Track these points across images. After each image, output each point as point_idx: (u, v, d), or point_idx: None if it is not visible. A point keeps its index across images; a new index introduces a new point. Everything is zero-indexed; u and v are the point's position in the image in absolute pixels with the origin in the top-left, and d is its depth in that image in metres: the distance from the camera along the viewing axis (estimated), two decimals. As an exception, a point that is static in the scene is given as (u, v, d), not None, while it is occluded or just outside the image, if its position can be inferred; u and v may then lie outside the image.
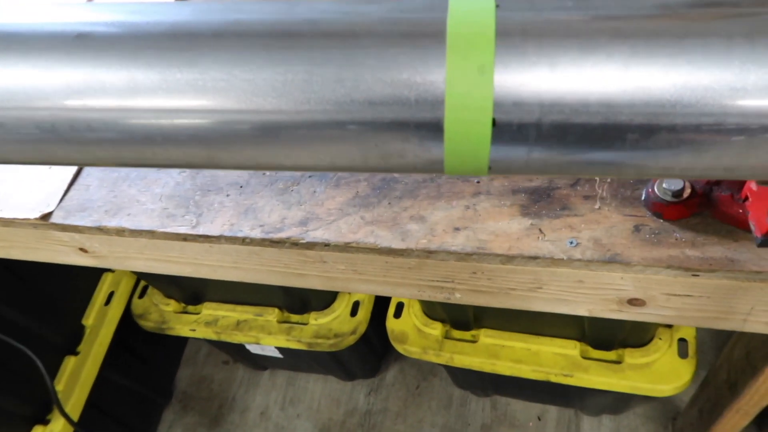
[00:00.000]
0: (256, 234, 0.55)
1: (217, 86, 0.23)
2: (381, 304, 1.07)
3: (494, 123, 0.22)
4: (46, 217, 0.60)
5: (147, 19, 0.24)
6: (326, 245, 0.54)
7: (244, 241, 0.56)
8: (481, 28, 0.22)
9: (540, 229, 0.49)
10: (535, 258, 0.48)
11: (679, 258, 0.44)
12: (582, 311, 0.53)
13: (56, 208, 0.61)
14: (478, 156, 0.23)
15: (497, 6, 0.23)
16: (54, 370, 1.03)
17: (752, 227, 0.41)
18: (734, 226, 0.45)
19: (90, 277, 1.14)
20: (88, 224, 0.60)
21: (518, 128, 0.22)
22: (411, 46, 0.22)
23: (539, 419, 1.22)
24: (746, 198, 0.41)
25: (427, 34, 0.23)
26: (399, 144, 0.23)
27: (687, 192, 0.45)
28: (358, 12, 0.23)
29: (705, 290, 0.46)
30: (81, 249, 0.66)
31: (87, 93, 0.24)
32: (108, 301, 1.12)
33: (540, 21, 0.22)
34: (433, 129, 0.23)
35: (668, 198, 0.45)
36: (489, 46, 0.22)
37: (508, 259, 0.49)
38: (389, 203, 0.54)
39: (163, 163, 0.26)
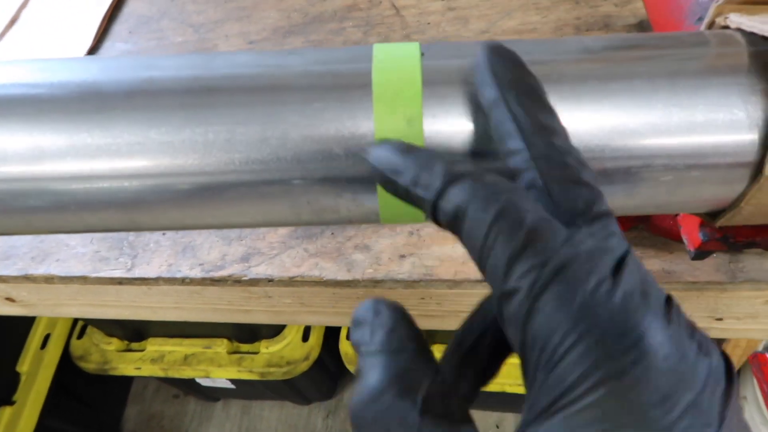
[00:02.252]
0: (196, 273, 0.53)
1: (132, 150, 0.21)
2: (333, 326, 1.06)
3: None
4: (-34, 268, 0.56)
5: (51, 78, 0.22)
6: (270, 281, 0.52)
7: (183, 281, 0.54)
8: (407, 78, 0.22)
9: (484, 252, 0.49)
10: (481, 281, 0.48)
11: (619, 274, 0.45)
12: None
13: (-24, 258, 0.57)
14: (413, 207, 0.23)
15: (422, 54, 0.22)
16: (-13, 423, 0.97)
17: (685, 241, 0.42)
18: (668, 239, 0.46)
19: (23, 320, 1.07)
20: (14, 273, 0.57)
21: None
22: (337, 100, 0.22)
23: (497, 427, 1.23)
24: (678, 213, 0.42)
25: (352, 87, 0.22)
26: (332, 199, 0.23)
27: (622, 208, 0.46)
28: (278, 65, 0.22)
29: (646, 302, 0.47)
30: (7, 299, 0.62)
31: (-13, 162, 0.22)
32: (44, 345, 1.06)
33: (466, 69, 0.22)
34: (366, 183, 0.22)
35: (605, 215, 0.46)
36: (416, 96, 0.21)
37: (456, 284, 0.49)
38: (332, 233, 0.53)
39: (80, 229, 0.24)
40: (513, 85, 0.20)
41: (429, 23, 0.67)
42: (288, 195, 0.22)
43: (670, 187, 0.22)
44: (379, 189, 0.22)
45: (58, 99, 0.22)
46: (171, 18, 0.77)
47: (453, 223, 0.18)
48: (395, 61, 0.22)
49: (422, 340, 0.20)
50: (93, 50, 0.73)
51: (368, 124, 0.22)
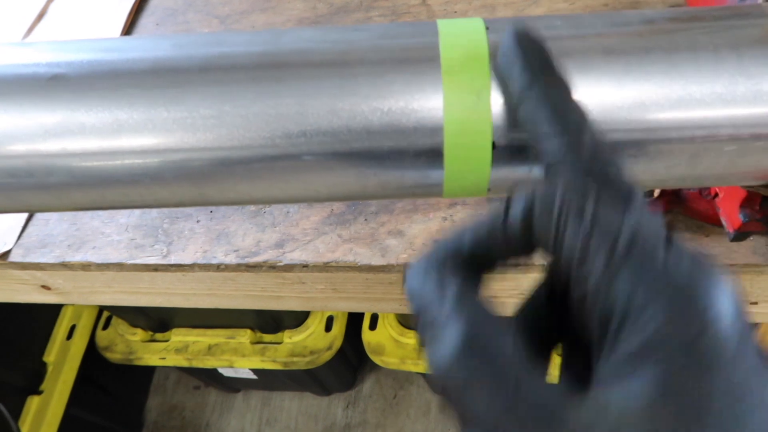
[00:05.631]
0: (231, 260, 0.54)
1: (207, 123, 0.22)
2: (355, 316, 1.06)
3: (494, 146, 0.22)
4: (4, 256, 0.57)
5: (126, 56, 0.23)
6: (305, 266, 0.53)
7: (219, 267, 0.54)
8: (474, 51, 0.22)
9: (518, 237, 0.49)
10: (515, 265, 0.49)
11: (655, 256, 0.45)
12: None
13: (14, 246, 0.58)
14: (478, 179, 0.23)
15: (487, 28, 0.23)
16: (17, 412, 0.98)
17: (724, 223, 0.42)
18: (703, 222, 0.46)
19: (49, 311, 1.09)
20: (51, 261, 0.58)
21: (518, 150, 0.22)
22: (406, 73, 0.22)
23: (517, 418, 1.23)
24: (716, 195, 0.43)
25: (420, 60, 0.22)
26: (398, 171, 0.23)
27: (657, 191, 0.46)
28: (346, 40, 0.23)
29: (681, 285, 0.47)
30: (43, 286, 0.63)
31: (66, 137, 0.22)
32: (70, 336, 1.08)
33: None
34: (433, 155, 0.23)
35: (641, 198, 0.46)
36: (484, 69, 0.22)
37: (489, 268, 0.49)
38: (365, 219, 0.54)
39: (151, 203, 0.25)
40: (541, 77, 0.21)
41: (456, 12, 0.67)
42: (356, 167, 0.23)
43: (733, 157, 0.23)
44: (446, 162, 0.23)
45: (135, 74, 0.22)
46: (197, 10, 0.77)
47: (524, 224, 0.20)
48: (462, 35, 0.22)
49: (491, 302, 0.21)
50: (121, 42, 0.74)
51: (437, 98, 0.22)
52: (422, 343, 0.20)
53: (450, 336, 0.19)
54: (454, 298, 0.20)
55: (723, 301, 0.17)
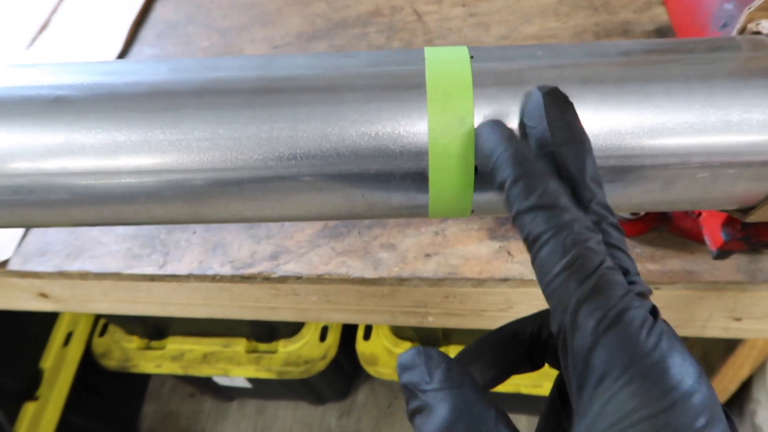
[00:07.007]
0: (227, 271, 0.55)
1: (201, 145, 0.23)
2: (349, 326, 1.07)
3: (476, 170, 0.23)
4: (3, 264, 0.58)
5: (125, 79, 0.24)
6: (298, 278, 0.54)
7: (214, 278, 0.55)
8: (458, 79, 0.23)
9: (508, 252, 0.50)
10: (505, 280, 0.50)
11: (641, 272, 0.46)
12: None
13: (13, 254, 0.59)
14: (461, 201, 0.24)
15: (471, 57, 0.24)
16: (13, 417, 0.99)
17: (707, 241, 0.43)
18: (689, 239, 0.47)
19: (46, 318, 1.09)
20: (49, 269, 0.58)
21: None
22: (393, 100, 0.23)
23: (511, 429, 1.24)
24: (699, 214, 0.44)
25: (407, 87, 0.23)
26: (385, 193, 0.24)
27: (644, 209, 0.47)
28: (337, 66, 0.24)
29: (666, 301, 0.48)
30: (41, 294, 0.64)
31: (66, 156, 0.23)
32: (67, 342, 1.08)
33: (513, 71, 0.23)
34: (418, 178, 0.24)
35: (628, 215, 0.47)
36: (467, 97, 0.23)
37: (480, 282, 0.50)
38: (359, 233, 0.55)
39: (147, 221, 0.25)
40: (570, 139, 0.22)
41: (451, 29, 0.69)
42: (344, 189, 0.24)
43: (706, 184, 0.24)
44: (431, 185, 0.24)
45: (133, 97, 0.23)
46: (197, 23, 0.79)
47: (528, 242, 0.21)
48: (447, 63, 0.23)
49: (473, 376, 0.22)
50: (122, 54, 0.75)
51: (422, 123, 0.23)
52: (411, 414, 0.21)
53: (439, 412, 0.20)
54: (442, 374, 0.21)
55: (691, 378, 0.19)
